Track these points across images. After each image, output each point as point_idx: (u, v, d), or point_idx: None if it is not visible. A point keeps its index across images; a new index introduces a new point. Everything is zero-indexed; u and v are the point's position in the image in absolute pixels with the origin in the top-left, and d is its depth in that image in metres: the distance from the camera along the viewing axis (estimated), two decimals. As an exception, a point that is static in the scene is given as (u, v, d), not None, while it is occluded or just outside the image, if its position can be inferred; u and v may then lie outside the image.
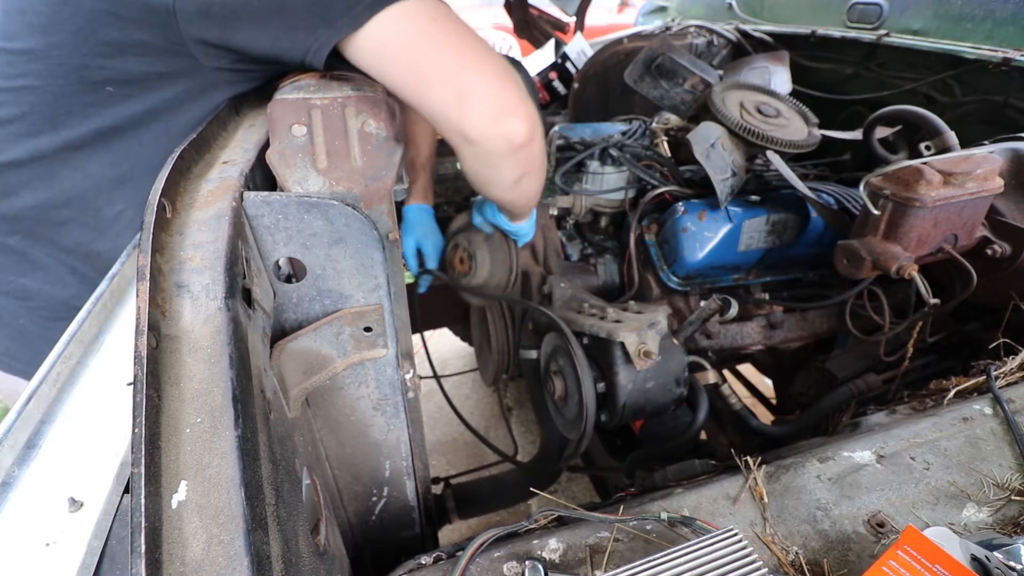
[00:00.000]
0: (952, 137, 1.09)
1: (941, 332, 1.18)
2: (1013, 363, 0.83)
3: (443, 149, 2.03)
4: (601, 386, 1.04)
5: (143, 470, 0.38)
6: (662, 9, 2.45)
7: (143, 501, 0.37)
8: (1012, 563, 0.49)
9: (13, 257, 0.83)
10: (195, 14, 0.66)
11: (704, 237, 1.12)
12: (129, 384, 0.50)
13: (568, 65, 2.09)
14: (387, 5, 0.63)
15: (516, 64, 1.40)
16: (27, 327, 0.86)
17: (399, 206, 1.38)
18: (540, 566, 0.56)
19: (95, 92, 0.74)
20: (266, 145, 0.69)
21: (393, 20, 0.64)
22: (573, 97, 1.96)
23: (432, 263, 1.38)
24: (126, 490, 0.44)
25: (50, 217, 0.81)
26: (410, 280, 1.43)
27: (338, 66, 0.71)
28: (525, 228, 1.15)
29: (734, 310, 1.14)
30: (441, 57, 0.65)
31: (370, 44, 0.65)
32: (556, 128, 1.37)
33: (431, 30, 0.65)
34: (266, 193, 0.62)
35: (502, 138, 0.69)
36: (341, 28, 0.64)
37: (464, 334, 2.48)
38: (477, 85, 0.66)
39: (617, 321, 1.02)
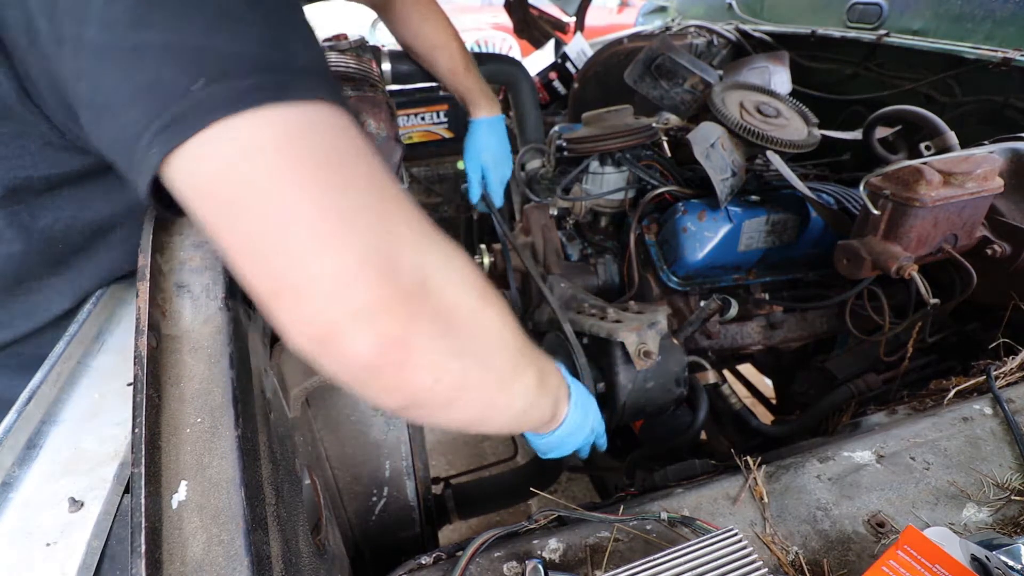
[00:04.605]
0: (952, 137, 1.09)
1: (941, 332, 1.18)
2: (1013, 363, 0.83)
3: (442, 150, 2.04)
4: (601, 386, 1.04)
5: (143, 470, 0.38)
6: (662, 9, 2.45)
7: (143, 501, 0.37)
8: (1012, 563, 0.49)
9: None
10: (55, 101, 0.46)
11: (704, 237, 1.12)
12: (129, 384, 0.50)
13: (568, 65, 2.09)
14: (244, 108, 0.36)
15: (516, 64, 1.39)
16: None
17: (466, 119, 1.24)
18: (540, 566, 0.56)
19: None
20: (266, 145, 0.68)
21: (226, 138, 0.36)
22: (573, 97, 1.96)
23: (496, 198, 1.22)
24: (126, 490, 0.44)
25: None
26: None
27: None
28: (554, 443, 0.73)
29: (734, 310, 1.14)
30: (256, 222, 0.37)
31: (182, 175, 0.38)
32: (556, 128, 1.37)
33: (261, 170, 0.36)
34: (266, 193, 0.62)
35: (335, 362, 0.40)
36: (156, 143, 0.37)
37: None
38: (298, 274, 0.37)
39: (617, 321, 1.02)
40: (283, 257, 0.38)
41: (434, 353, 0.42)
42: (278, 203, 0.37)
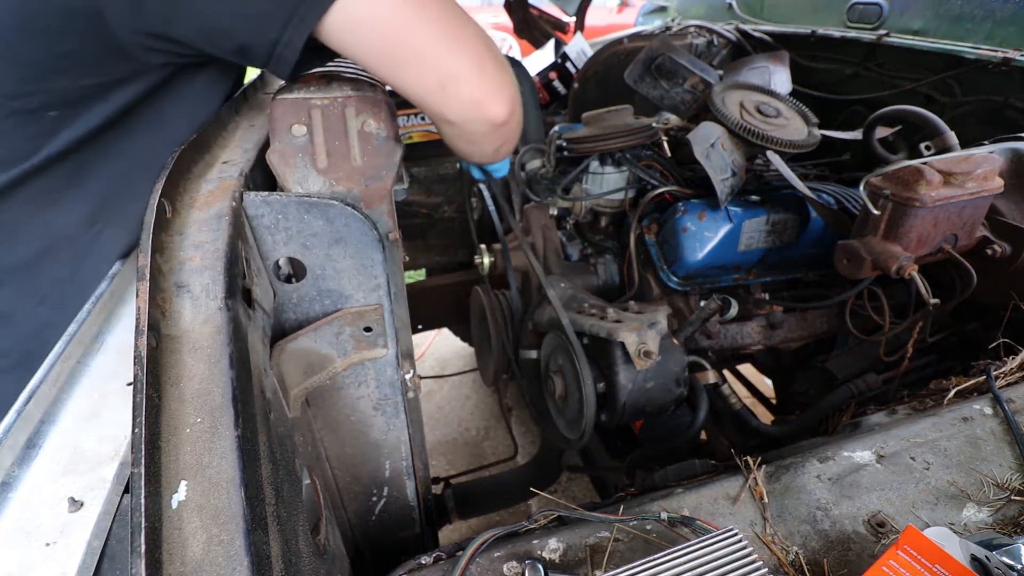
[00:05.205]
0: (952, 137, 1.08)
1: (941, 332, 1.18)
2: (1013, 363, 0.83)
3: (442, 150, 2.04)
4: (601, 386, 1.04)
5: (143, 470, 0.38)
6: (662, 9, 2.45)
7: (143, 501, 0.37)
8: (1012, 563, 0.49)
9: None
10: (127, 8, 0.58)
11: (704, 237, 1.12)
12: (129, 384, 0.50)
13: (568, 65, 2.09)
14: None
15: (513, 62, 1.39)
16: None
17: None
18: (540, 566, 0.56)
19: (36, 122, 0.64)
20: (266, 145, 0.69)
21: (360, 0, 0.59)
22: (573, 97, 1.96)
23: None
24: (126, 490, 0.44)
25: (13, 260, 0.71)
26: (410, 280, 1.40)
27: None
28: (500, 167, 1.10)
29: (734, 310, 1.14)
30: (418, 41, 0.61)
31: (338, 28, 0.60)
32: (556, 128, 1.37)
33: (405, 7, 0.60)
34: (266, 193, 0.62)
35: (482, 121, 0.68)
36: (306, 15, 0.57)
37: (464, 334, 2.49)
38: (457, 71, 0.64)
39: (617, 321, 1.02)
40: (445, 60, 0.63)
41: (520, 108, 0.71)
42: (430, 27, 0.61)
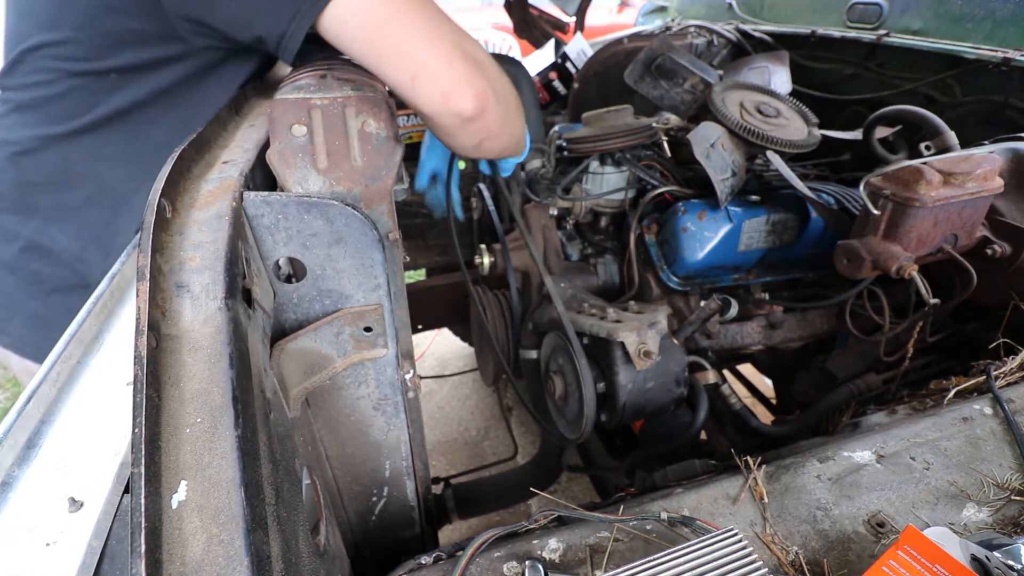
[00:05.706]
0: (952, 137, 1.09)
1: (941, 332, 1.18)
2: (1013, 363, 0.83)
3: (443, 149, 2.04)
4: (601, 386, 1.04)
5: (143, 470, 0.38)
6: (662, 9, 2.45)
7: (143, 501, 0.37)
8: (1012, 563, 0.49)
9: (27, 243, 0.88)
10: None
11: (704, 237, 1.12)
12: (129, 384, 0.50)
13: (568, 65, 2.09)
14: None
15: (513, 62, 1.39)
16: (40, 311, 0.90)
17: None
18: (540, 566, 0.56)
19: (101, 81, 0.81)
20: (266, 145, 0.69)
21: (349, 1, 0.68)
22: (573, 97, 1.96)
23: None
24: (126, 490, 0.44)
25: (66, 201, 0.87)
26: (410, 280, 1.40)
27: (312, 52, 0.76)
28: (507, 164, 1.15)
29: (734, 310, 1.14)
30: (394, 38, 0.69)
31: (331, 25, 0.70)
32: (556, 128, 1.37)
33: (385, 9, 0.69)
34: (266, 193, 0.62)
35: (451, 114, 0.72)
36: (306, 13, 0.68)
37: (464, 334, 2.48)
38: (427, 65, 0.69)
39: (617, 321, 1.02)
40: (417, 55, 0.68)
41: (496, 105, 0.74)
42: (405, 26, 0.68)
